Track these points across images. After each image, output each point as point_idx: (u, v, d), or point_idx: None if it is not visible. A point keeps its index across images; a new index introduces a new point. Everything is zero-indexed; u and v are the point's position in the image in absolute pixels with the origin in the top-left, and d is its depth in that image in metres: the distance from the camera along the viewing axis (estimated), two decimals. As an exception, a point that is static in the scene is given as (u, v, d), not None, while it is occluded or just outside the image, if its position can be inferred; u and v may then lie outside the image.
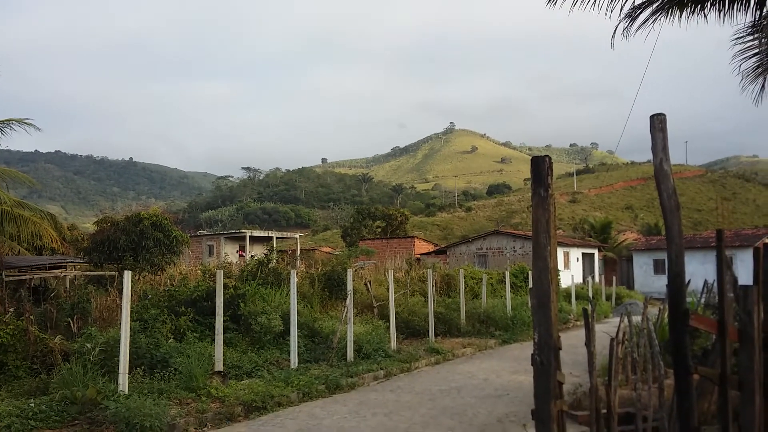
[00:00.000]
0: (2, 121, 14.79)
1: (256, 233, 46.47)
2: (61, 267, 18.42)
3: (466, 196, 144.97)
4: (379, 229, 56.62)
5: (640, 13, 9.88)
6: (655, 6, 9.78)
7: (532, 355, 4.04)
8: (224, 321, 11.64)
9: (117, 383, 9.20)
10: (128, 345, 9.51)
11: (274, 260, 18.63)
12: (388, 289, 16.23)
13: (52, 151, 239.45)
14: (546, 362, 3.94)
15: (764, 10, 9.94)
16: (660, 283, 35.49)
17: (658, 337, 7.41)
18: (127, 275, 9.81)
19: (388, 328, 15.16)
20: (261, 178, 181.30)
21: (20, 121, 14.94)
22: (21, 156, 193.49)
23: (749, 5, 9.92)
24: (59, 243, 17.31)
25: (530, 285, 14.82)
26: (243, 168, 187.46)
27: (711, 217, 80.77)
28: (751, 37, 10.93)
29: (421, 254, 41.62)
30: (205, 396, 9.57)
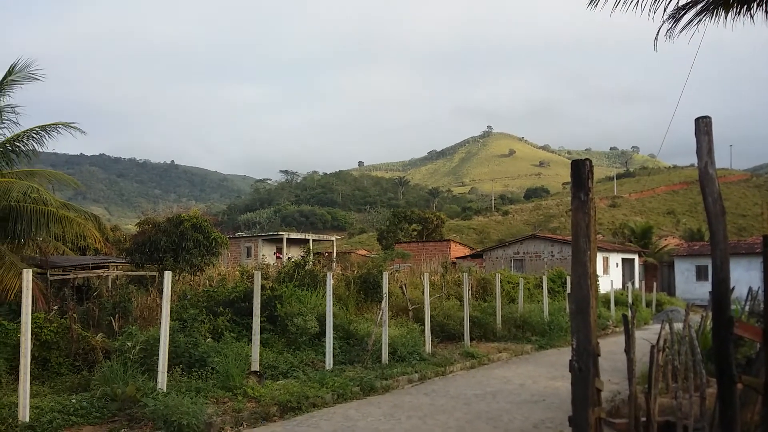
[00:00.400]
0: (49, 125, 15.18)
1: (293, 235, 46.84)
2: (104, 267, 18.85)
3: (503, 199, 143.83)
4: (415, 233, 56.56)
5: (684, 14, 9.67)
6: (699, 7, 9.55)
7: (570, 360, 3.98)
8: (261, 322, 11.75)
9: (156, 381, 9.36)
10: (167, 344, 9.67)
11: (311, 262, 18.76)
12: (423, 292, 16.18)
13: (97, 154, 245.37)
14: (584, 368, 3.88)
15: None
16: (702, 290, 34.66)
17: (700, 345, 7.23)
18: (168, 275, 9.98)
19: (423, 331, 15.12)
20: (298, 181, 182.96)
21: (66, 125, 15.31)
22: (67, 159, 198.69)
23: (798, 4, 9.62)
24: (102, 244, 17.68)
25: (568, 290, 14.60)
26: (281, 171, 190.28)
27: (756, 222, 78.57)
28: (800, 38, 10.61)
29: (456, 258, 41.42)
30: (242, 395, 9.67)
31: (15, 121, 15.11)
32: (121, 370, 9.45)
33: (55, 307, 12.50)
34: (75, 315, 11.63)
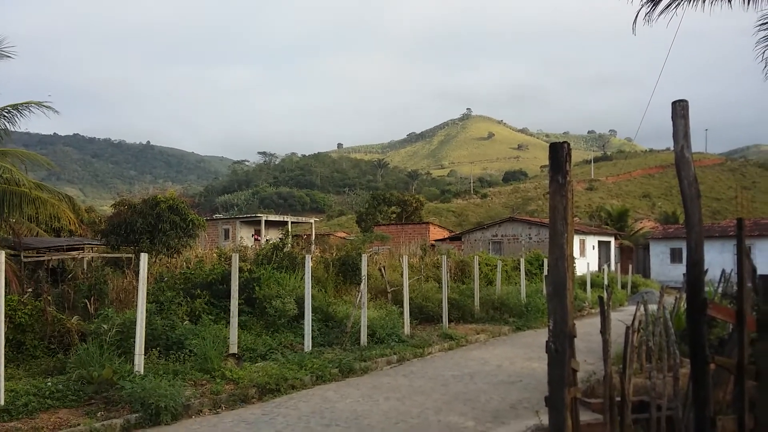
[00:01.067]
0: (21, 103, 14.86)
1: (272, 218, 46.61)
2: (79, 249, 18.62)
3: (481, 182, 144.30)
4: (394, 215, 56.60)
5: (663, -3, 9.71)
6: (677, -10, 9.60)
7: (546, 342, 4.01)
8: (239, 304, 11.71)
9: (133, 364, 9.31)
10: (144, 326, 9.60)
11: (289, 244, 18.70)
12: (402, 274, 16.24)
13: (71, 134, 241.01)
14: (560, 349, 3.91)
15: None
16: (676, 272, 35.22)
17: (674, 326, 7.34)
18: (144, 257, 9.88)
19: (402, 313, 15.18)
20: (277, 162, 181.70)
21: (39, 104, 15.00)
22: (40, 138, 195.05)
23: (775, -10, 9.71)
24: (77, 225, 17.45)
25: (545, 272, 14.71)
26: (259, 152, 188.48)
27: (730, 206, 79.79)
28: (776, 23, 10.71)
29: (435, 240, 41.58)
30: (220, 378, 9.65)
31: (-16, 99, 14.76)
32: (97, 352, 9.36)
33: (30, 290, 12.33)
34: (50, 297, 11.49)
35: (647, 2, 9.70)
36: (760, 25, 10.90)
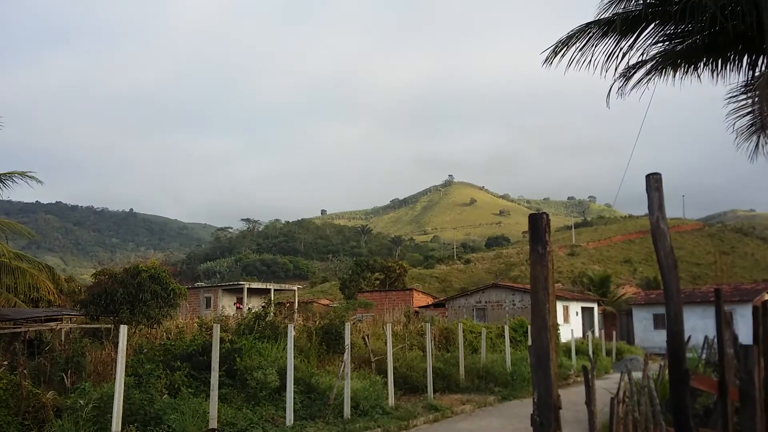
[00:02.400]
0: (5, 174, 14.91)
1: (254, 285, 46.20)
2: (57, 319, 18.27)
3: (464, 248, 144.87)
4: (378, 282, 56.41)
5: (635, 73, 10.12)
6: (649, 66, 10.02)
7: (531, 415, 3.99)
8: (220, 376, 11.48)
9: (109, 440, 9.02)
10: (122, 401, 9.36)
11: (272, 313, 18.51)
12: (386, 343, 16.07)
13: (53, 201, 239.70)
14: (546, 423, 3.89)
15: (757, 70, 10.17)
16: (660, 338, 35.13)
17: (659, 395, 7.31)
18: (123, 330, 9.73)
19: (386, 383, 14.95)
20: (260, 229, 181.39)
21: (23, 174, 15.08)
22: (21, 207, 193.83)
23: (742, 66, 10.16)
24: (56, 295, 17.22)
25: (530, 340, 14.69)
26: (242, 219, 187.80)
27: (710, 270, 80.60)
28: (744, 96, 11.16)
29: (419, 307, 41.34)
30: (199, 454, 9.36)
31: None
32: (72, 429, 9.09)
33: (5, 363, 12.00)
34: (26, 371, 11.18)
35: (619, 77, 10.10)
36: (730, 97, 11.36)
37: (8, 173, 14.87)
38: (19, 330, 15.70)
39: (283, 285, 56.76)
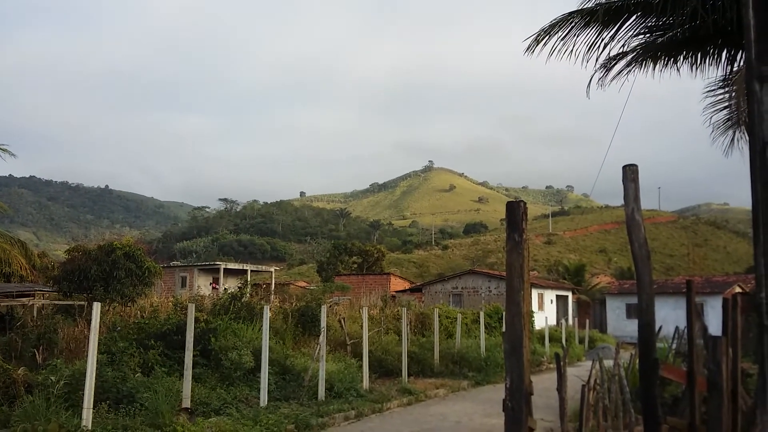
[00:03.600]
0: (-23, 145, 14.61)
1: (231, 266, 45.97)
2: (29, 295, 18.04)
3: (443, 233, 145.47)
4: (356, 265, 56.49)
5: (615, 64, 10.15)
6: (629, 58, 10.06)
7: (504, 400, 4.04)
8: (194, 356, 11.45)
9: (81, 418, 8.96)
10: (94, 378, 9.29)
11: (248, 294, 18.44)
12: (362, 326, 16.12)
13: (27, 176, 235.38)
14: (517, 408, 3.94)
15: (735, 65, 10.27)
16: (632, 327, 35.65)
17: (630, 383, 7.44)
18: (96, 307, 9.64)
19: (361, 366, 15.02)
20: (238, 209, 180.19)
21: (-5, 147, 14.77)
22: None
23: (721, 60, 10.25)
24: (28, 270, 16.99)
25: (504, 327, 14.82)
26: (220, 199, 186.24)
27: (683, 262, 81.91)
28: (722, 91, 11.29)
29: (396, 291, 41.50)
30: (171, 433, 9.33)
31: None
32: (43, 405, 9.00)
33: (-26, 338, 11.84)
34: (-5, 347, 11.05)
35: (600, 68, 10.13)
36: (708, 92, 11.48)
37: (-19, 146, 14.59)
38: (-11, 305, 15.48)
39: (260, 266, 56.58)
